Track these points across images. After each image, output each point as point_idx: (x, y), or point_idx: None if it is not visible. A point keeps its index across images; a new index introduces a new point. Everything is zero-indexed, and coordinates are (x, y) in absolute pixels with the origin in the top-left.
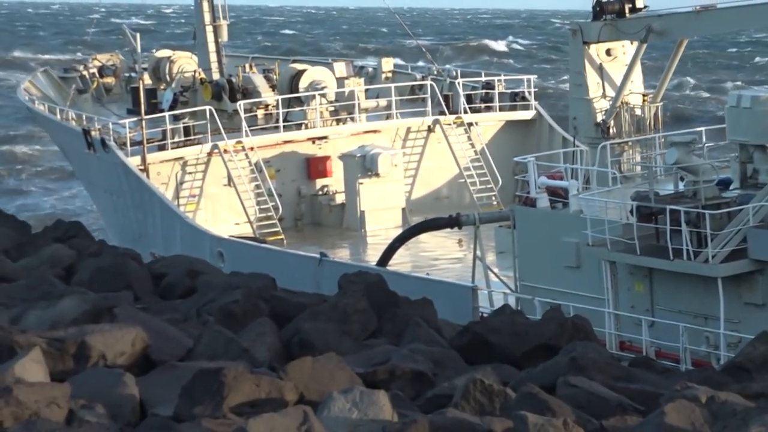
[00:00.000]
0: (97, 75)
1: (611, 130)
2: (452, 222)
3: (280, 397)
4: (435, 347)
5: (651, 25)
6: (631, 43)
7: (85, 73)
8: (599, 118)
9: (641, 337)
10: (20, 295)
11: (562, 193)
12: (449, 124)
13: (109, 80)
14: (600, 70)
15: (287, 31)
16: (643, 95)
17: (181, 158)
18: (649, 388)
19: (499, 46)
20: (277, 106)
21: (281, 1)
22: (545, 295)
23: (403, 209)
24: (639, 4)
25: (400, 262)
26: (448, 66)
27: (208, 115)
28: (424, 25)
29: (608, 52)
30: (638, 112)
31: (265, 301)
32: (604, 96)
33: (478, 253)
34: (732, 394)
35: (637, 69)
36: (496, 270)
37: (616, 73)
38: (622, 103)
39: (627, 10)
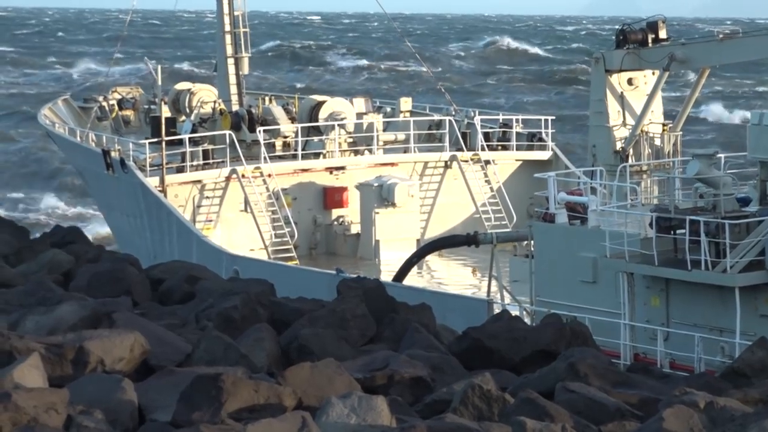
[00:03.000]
0: (117, 107)
1: (630, 159)
2: (470, 240)
3: (278, 402)
4: (433, 353)
5: (674, 53)
6: (653, 74)
7: (104, 104)
8: (619, 146)
9: (656, 348)
10: (19, 301)
11: (581, 210)
12: (466, 161)
13: (128, 113)
14: (621, 98)
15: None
16: (663, 124)
17: (199, 181)
18: (647, 394)
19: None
20: (296, 136)
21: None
22: (561, 310)
23: (418, 240)
24: (662, 34)
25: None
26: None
27: (227, 140)
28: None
29: (630, 82)
30: (657, 141)
31: (264, 307)
32: (624, 124)
33: (494, 272)
34: (730, 400)
35: (658, 98)
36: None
37: (636, 102)
38: (641, 131)
39: (650, 41)
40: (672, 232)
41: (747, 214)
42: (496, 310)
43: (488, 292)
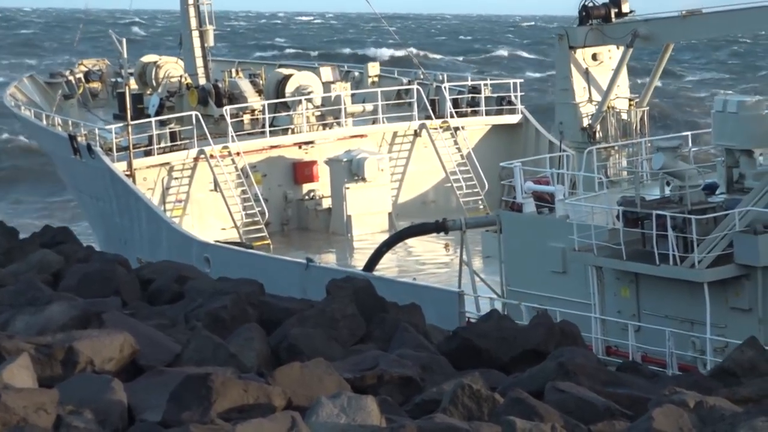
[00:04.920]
0: (83, 80)
1: (597, 135)
2: (439, 227)
3: (268, 402)
4: (423, 352)
5: (637, 29)
6: (618, 48)
7: (71, 78)
8: (585, 122)
9: (628, 342)
10: (8, 301)
11: (548, 198)
12: (435, 129)
13: (95, 85)
14: (586, 74)
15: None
16: (630, 100)
17: (167, 164)
18: (637, 393)
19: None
20: (263, 111)
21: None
22: (532, 300)
23: (390, 214)
24: (625, 8)
25: (386, 266)
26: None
27: (194, 121)
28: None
29: (594, 57)
30: (624, 116)
31: (253, 307)
32: (590, 100)
33: (465, 258)
34: (720, 399)
35: (623, 73)
36: (482, 275)
37: (602, 77)
38: (608, 107)
39: (613, 15)
40: (640, 224)
41: (714, 206)
42: (468, 300)
43: (459, 282)
